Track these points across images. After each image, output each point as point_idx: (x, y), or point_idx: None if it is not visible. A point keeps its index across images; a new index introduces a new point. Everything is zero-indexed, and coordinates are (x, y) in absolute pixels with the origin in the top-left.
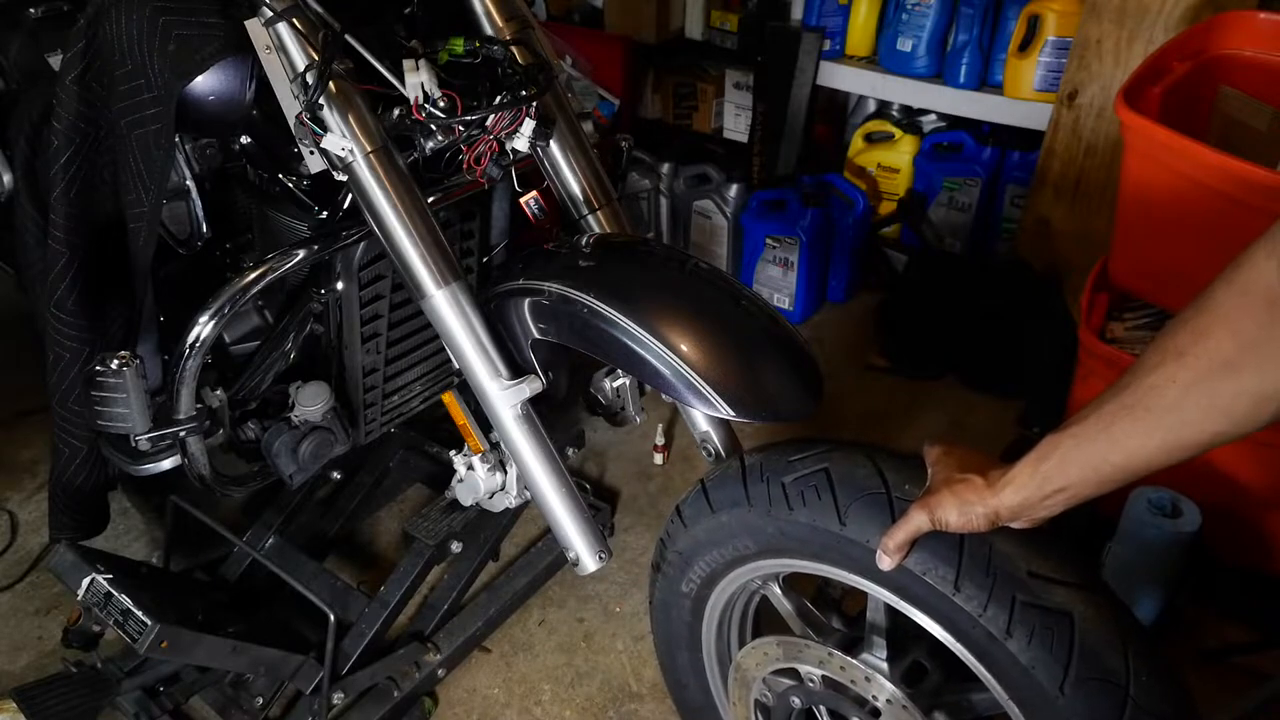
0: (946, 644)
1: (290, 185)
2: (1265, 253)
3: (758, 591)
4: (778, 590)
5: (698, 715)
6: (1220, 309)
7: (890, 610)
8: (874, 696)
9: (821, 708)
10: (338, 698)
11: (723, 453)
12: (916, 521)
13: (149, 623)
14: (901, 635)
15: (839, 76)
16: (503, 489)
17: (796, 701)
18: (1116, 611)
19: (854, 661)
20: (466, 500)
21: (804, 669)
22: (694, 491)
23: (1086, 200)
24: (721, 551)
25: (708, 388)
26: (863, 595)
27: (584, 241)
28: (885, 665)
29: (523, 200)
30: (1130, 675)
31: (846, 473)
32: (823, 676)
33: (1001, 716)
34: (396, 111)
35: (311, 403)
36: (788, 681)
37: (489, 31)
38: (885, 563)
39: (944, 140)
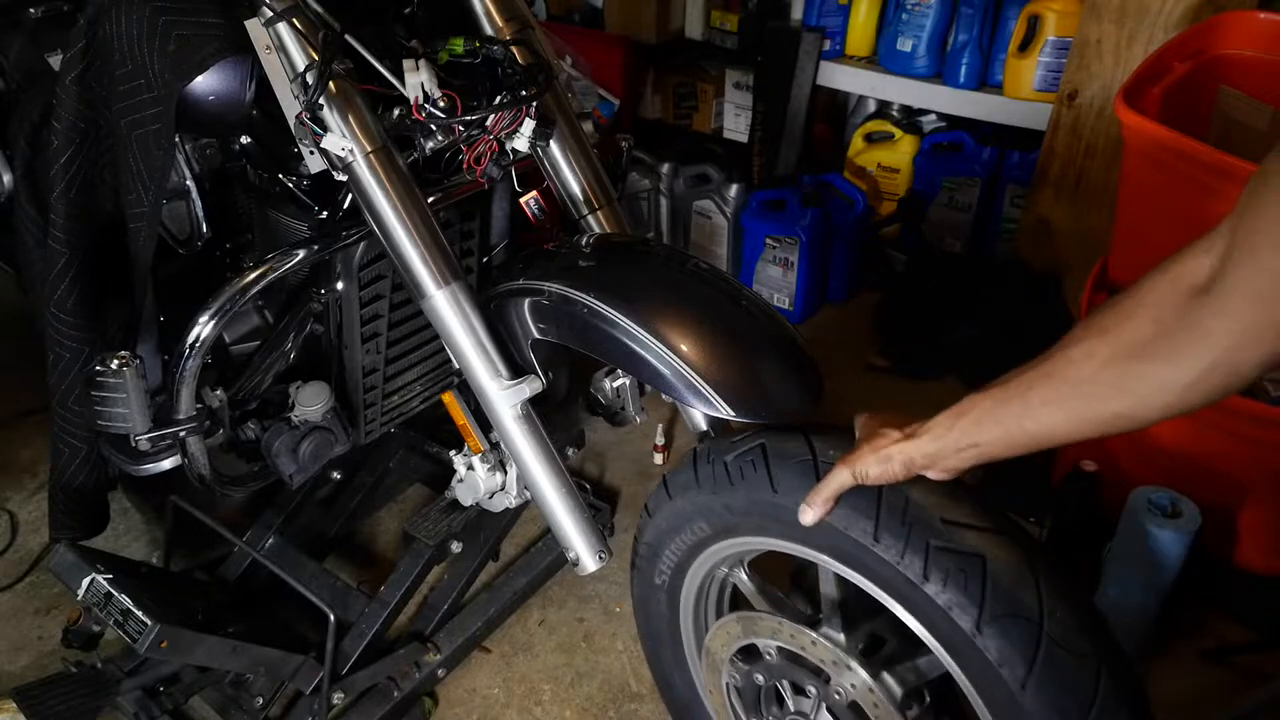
0: (875, 595)
1: (290, 185)
2: (1203, 248)
3: (727, 580)
4: (744, 576)
5: (686, 712)
6: (1148, 295)
7: (843, 583)
8: (822, 661)
9: (784, 683)
10: (338, 698)
11: None
12: (839, 478)
13: (149, 623)
14: (860, 608)
15: (839, 76)
16: (503, 489)
17: (759, 679)
18: (1029, 552)
19: (800, 627)
20: (466, 500)
21: (761, 643)
22: (658, 484)
23: (1086, 200)
24: (682, 537)
25: (708, 388)
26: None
27: (584, 241)
28: (841, 636)
29: (523, 200)
30: (1044, 611)
31: (779, 447)
32: (778, 648)
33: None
34: (396, 111)
35: (311, 403)
36: (749, 666)
37: (489, 31)
38: (808, 516)
39: (944, 140)
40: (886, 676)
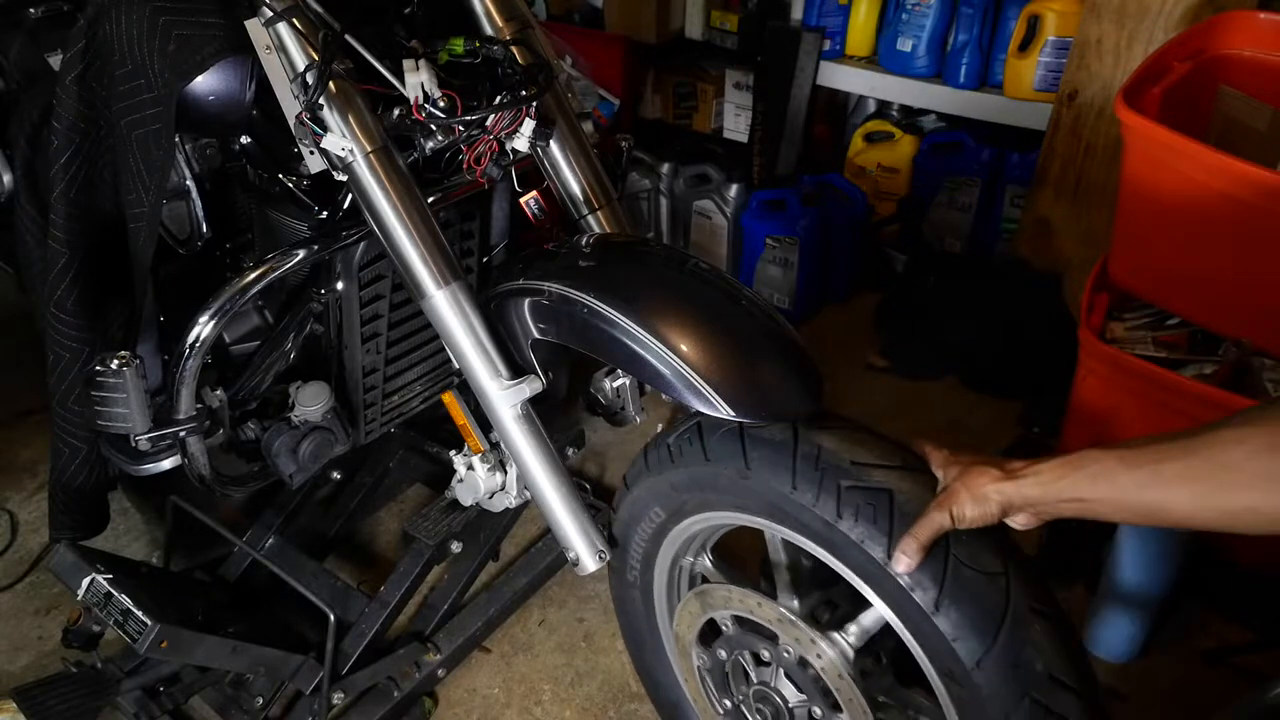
0: (799, 544)
1: (290, 185)
2: None
3: (694, 570)
4: (707, 563)
5: (676, 711)
6: None
7: (792, 551)
8: (769, 621)
9: (745, 655)
10: (338, 698)
11: None
12: (937, 520)
13: (149, 623)
14: (815, 580)
15: (839, 76)
16: (503, 489)
17: (722, 654)
18: (935, 485)
19: (748, 590)
20: (466, 500)
21: (718, 615)
22: (620, 483)
23: (1086, 200)
24: (643, 527)
25: (707, 388)
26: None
27: (584, 241)
28: (794, 600)
29: (523, 200)
30: (949, 535)
31: (713, 423)
32: (734, 618)
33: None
34: (396, 111)
35: (311, 403)
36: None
37: (489, 31)
38: (902, 564)
39: (944, 140)
40: (835, 635)
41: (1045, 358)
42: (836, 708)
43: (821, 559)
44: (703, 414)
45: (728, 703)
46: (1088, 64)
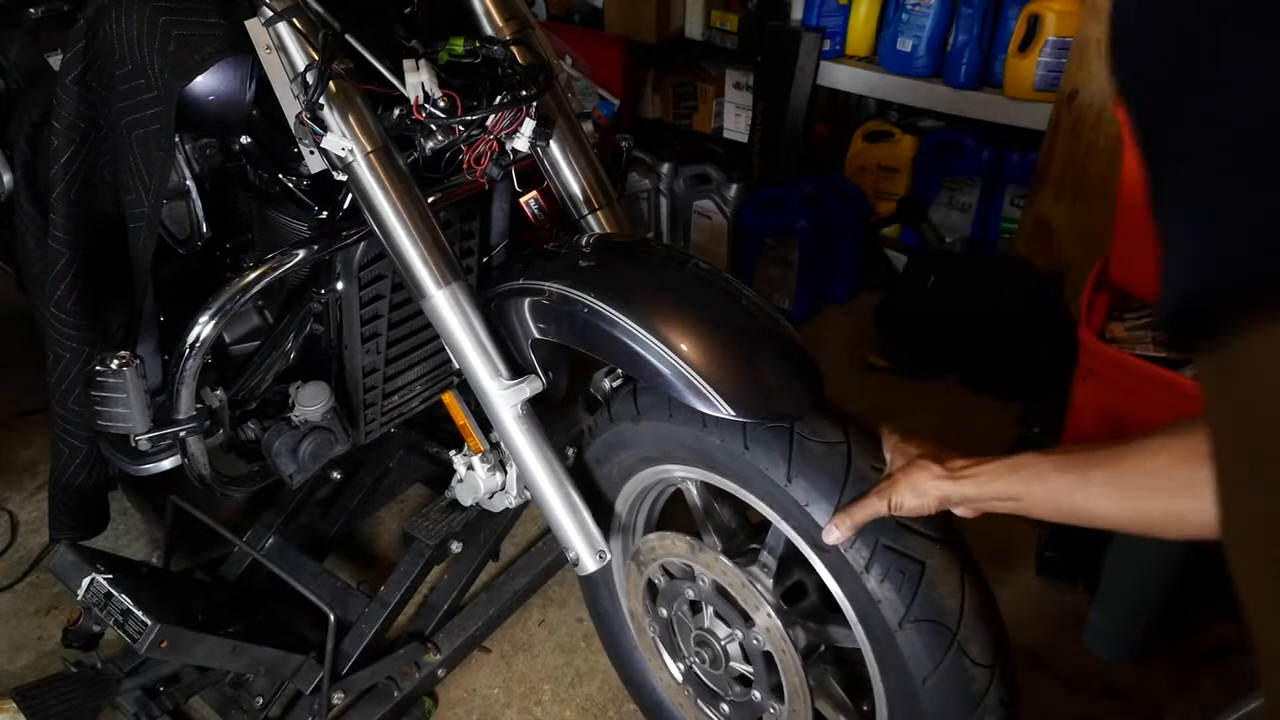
0: (713, 482)
1: (290, 185)
2: None
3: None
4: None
5: (660, 711)
6: None
7: (709, 498)
8: (678, 555)
9: (682, 608)
10: (338, 698)
11: None
12: (874, 506)
13: (149, 623)
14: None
15: (839, 76)
16: (503, 489)
17: (664, 612)
18: (876, 445)
19: (664, 532)
20: (466, 500)
21: (651, 571)
22: None
23: (1086, 200)
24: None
25: (707, 387)
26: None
27: (584, 241)
28: (714, 538)
29: (523, 200)
30: (795, 424)
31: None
32: (662, 569)
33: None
34: (396, 111)
35: (311, 403)
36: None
37: (489, 31)
38: (833, 536)
39: (944, 140)
40: (745, 562)
41: (1045, 358)
42: (772, 662)
43: (729, 490)
44: (703, 414)
45: (682, 665)
46: (1088, 64)
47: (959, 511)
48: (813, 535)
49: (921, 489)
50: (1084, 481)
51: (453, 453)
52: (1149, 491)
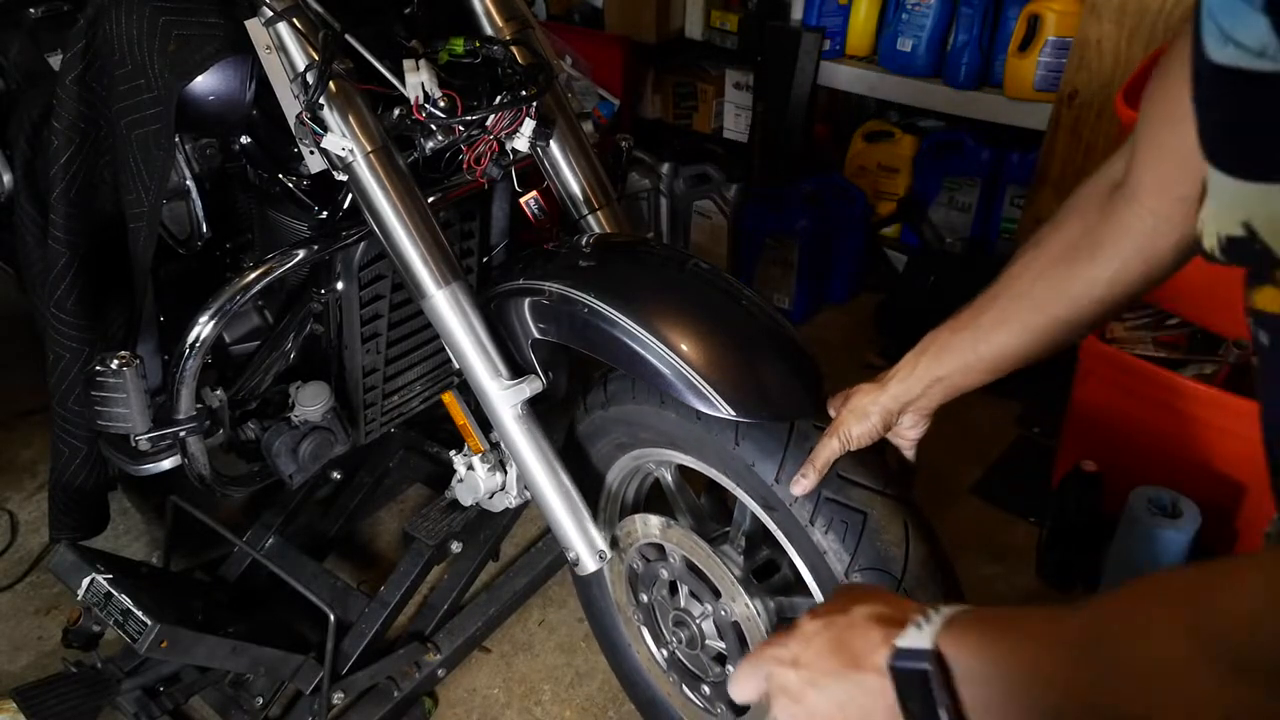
0: (682, 461)
1: (290, 185)
2: (1122, 151)
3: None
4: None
5: (653, 708)
6: (1077, 201)
7: (679, 478)
8: (654, 535)
9: (660, 592)
10: (338, 698)
11: None
12: (829, 447)
13: (149, 623)
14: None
15: (839, 76)
16: (503, 489)
17: (645, 598)
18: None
19: (639, 514)
20: (466, 500)
21: (629, 556)
22: None
23: None
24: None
25: (708, 387)
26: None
27: (584, 241)
28: (738, 556)
29: (523, 200)
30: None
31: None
32: (640, 552)
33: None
34: (396, 111)
35: (311, 403)
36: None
37: (489, 31)
38: (800, 486)
39: (944, 140)
40: (718, 542)
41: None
42: (743, 635)
43: (691, 464)
44: (704, 414)
45: (665, 651)
46: (1088, 64)
47: (906, 427)
48: (763, 495)
49: (863, 411)
50: (977, 330)
51: (453, 453)
52: (1030, 310)
